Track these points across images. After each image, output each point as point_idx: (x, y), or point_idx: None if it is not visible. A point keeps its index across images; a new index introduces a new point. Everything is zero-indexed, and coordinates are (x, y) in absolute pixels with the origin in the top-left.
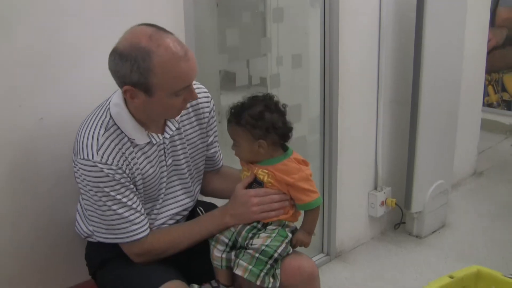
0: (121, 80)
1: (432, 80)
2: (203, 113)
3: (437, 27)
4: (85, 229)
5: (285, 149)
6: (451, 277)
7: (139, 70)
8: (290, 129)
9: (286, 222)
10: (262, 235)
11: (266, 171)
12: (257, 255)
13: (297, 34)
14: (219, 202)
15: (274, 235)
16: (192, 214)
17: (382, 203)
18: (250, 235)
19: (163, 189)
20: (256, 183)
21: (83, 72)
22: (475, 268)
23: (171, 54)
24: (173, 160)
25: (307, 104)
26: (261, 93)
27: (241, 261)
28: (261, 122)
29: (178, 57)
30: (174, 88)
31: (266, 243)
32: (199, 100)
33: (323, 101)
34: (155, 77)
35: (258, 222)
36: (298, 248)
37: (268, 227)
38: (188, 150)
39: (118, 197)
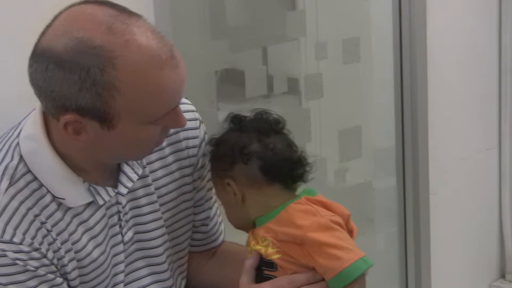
0: (58, 104)
1: None
2: (187, 147)
3: None
4: None
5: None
6: None
7: (95, 87)
8: (282, 156)
9: None
10: None
11: (266, 236)
12: None
13: (350, 4)
14: None
15: None
16: None
17: None
18: None
19: (121, 284)
20: (264, 266)
21: None
22: None
23: (148, 56)
24: (135, 233)
25: (372, 127)
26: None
27: None
28: (223, 147)
29: (161, 61)
30: (153, 113)
31: None
32: None
33: (401, 120)
34: (122, 97)
35: None
36: None
37: None
38: (164, 213)
39: None
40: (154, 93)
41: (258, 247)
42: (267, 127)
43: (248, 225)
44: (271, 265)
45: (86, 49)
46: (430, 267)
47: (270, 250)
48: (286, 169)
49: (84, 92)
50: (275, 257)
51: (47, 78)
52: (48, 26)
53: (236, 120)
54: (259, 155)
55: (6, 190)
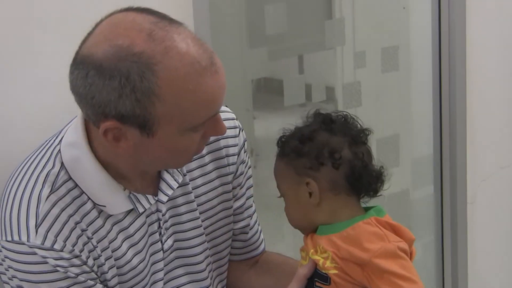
0: (98, 111)
1: None
2: (227, 155)
3: None
4: None
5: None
6: None
7: (134, 93)
8: (368, 168)
9: None
10: None
11: (327, 249)
12: None
13: (388, 12)
14: None
15: None
16: None
17: None
18: None
19: None
20: (317, 278)
21: (35, 76)
22: None
23: (188, 63)
24: (175, 241)
25: (410, 136)
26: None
27: None
28: (310, 145)
29: (201, 68)
30: (192, 120)
31: None
32: None
33: (439, 129)
34: (161, 104)
35: None
36: None
37: None
38: (203, 221)
39: None
40: (194, 99)
41: (316, 257)
42: (357, 134)
43: (308, 228)
44: (325, 278)
45: (125, 55)
46: (467, 276)
47: (328, 264)
48: (368, 181)
49: (124, 98)
50: (331, 272)
51: (88, 85)
52: (89, 34)
53: (327, 120)
54: (351, 163)
55: (48, 197)
